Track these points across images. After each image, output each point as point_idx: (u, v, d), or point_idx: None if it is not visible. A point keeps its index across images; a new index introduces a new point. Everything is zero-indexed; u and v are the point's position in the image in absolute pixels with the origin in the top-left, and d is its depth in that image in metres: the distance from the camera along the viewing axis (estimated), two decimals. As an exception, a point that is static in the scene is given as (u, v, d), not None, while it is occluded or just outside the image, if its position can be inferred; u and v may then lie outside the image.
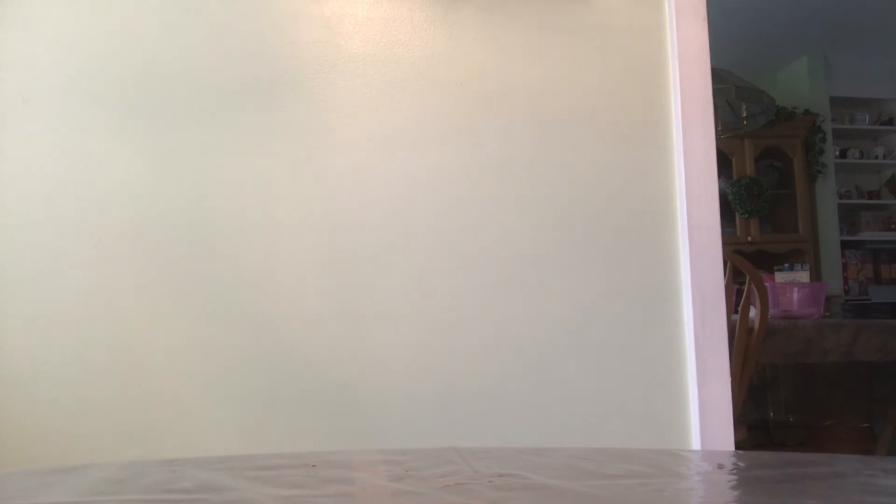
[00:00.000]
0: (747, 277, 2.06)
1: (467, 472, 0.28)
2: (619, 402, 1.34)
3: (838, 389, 2.73)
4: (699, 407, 1.33)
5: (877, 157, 4.90)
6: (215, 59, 1.31)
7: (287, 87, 1.32)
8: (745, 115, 3.21)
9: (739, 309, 2.03)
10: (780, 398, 2.87)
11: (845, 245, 4.74)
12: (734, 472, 0.31)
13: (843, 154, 4.80)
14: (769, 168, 4.74)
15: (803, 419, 2.81)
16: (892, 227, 4.88)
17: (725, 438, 1.33)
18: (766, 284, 2.20)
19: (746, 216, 4.57)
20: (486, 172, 1.36)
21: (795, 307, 2.44)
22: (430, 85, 1.36)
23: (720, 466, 0.33)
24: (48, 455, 1.19)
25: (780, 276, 2.72)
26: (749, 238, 4.57)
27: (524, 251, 1.35)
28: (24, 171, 1.25)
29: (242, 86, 1.31)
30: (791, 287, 2.48)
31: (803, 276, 2.71)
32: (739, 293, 2.12)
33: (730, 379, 1.36)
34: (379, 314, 1.30)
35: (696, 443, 1.33)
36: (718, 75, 2.81)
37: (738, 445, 1.54)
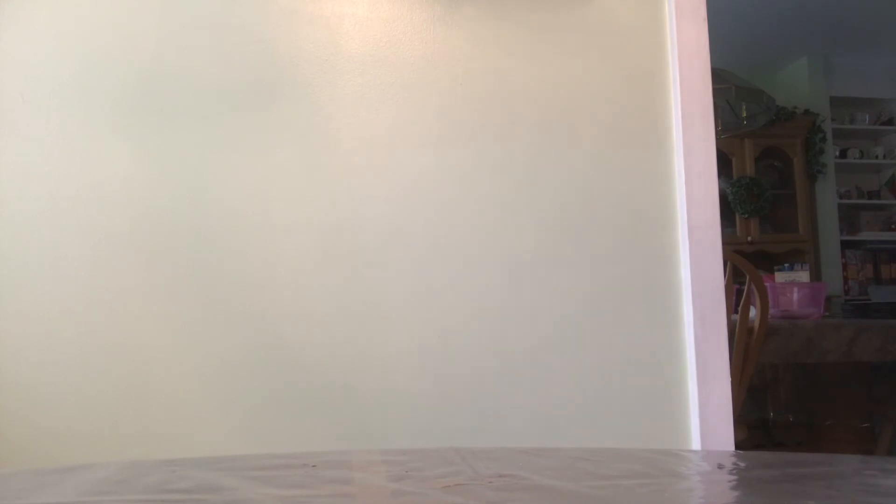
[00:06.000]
0: (747, 277, 2.06)
1: (467, 473, 0.28)
2: (619, 402, 1.34)
3: (838, 389, 2.73)
4: (699, 407, 1.33)
5: (877, 157, 4.90)
6: (215, 58, 1.31)
7: (287, 87, 1.32)
8: (745, 115, 3.20)
9: (739, 309, 2.03)
10: (780, 398, 2.87)
11: (845, 245, 4.74)
12: (734, 472, 0.31)
13: (843, 154, 4.80)
14: (769, 168, 4.74)
15: (803, 419, 2.81)
16: (892, 227, 4.88)
17: (725, 438, 1.33)
18: (766, 284, 2.20)
19: (746, 216, 4.57)
20: (486, 172, 1.36)
21: (795, 307, 2.44)
22: (430, 85, 1.36)
23: (720, 466, 0.33)
24: (48, 455, 1.19)
25: (780, 276, 2.72)
26: (749, 238, 4.57)
27: (524, 251, 1.35)
28: (24, 171, 1.25)
29: (242, 86, 1.31)
30: (791, 287, 2.48)
31: (803, 276, 2.71)
32: (739, 293, 2.12)
33: (730, 379, 1.36)
34: (379, 314, 1.30)
35: (696, 443, 1.33)
36: (718, 75, 2.81)
37: (738, 445, 1.54)
